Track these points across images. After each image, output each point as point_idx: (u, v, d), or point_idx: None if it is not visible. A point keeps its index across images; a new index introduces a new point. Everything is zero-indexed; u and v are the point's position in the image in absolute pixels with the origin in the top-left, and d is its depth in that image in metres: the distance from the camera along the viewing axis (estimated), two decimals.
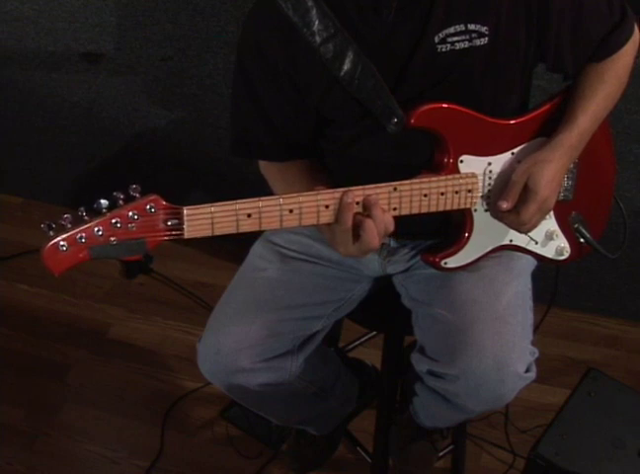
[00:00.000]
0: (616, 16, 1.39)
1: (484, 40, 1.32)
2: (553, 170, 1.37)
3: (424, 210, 1.36)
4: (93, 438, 2.16)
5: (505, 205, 1.36)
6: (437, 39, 1.31)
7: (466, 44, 1.31)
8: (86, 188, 2.78)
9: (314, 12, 1.29)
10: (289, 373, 1.54)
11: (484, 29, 1.31)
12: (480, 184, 1.41)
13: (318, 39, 1.30)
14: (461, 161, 1.38)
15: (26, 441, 2.16)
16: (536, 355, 1.46)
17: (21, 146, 2.78)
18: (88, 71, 2.46)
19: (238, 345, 1.48)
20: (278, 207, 1.24)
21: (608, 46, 1.40)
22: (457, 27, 1.30)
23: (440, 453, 1.93)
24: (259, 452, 2.09)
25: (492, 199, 1.42)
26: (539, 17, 1.32)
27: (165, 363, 2.35)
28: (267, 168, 1.54)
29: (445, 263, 1.44)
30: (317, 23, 1.30)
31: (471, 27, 1.30)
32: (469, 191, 1.39)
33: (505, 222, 1.41)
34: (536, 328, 1.49)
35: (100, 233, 1.13)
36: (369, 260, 1.57)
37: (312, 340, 1.58)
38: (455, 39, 1.31)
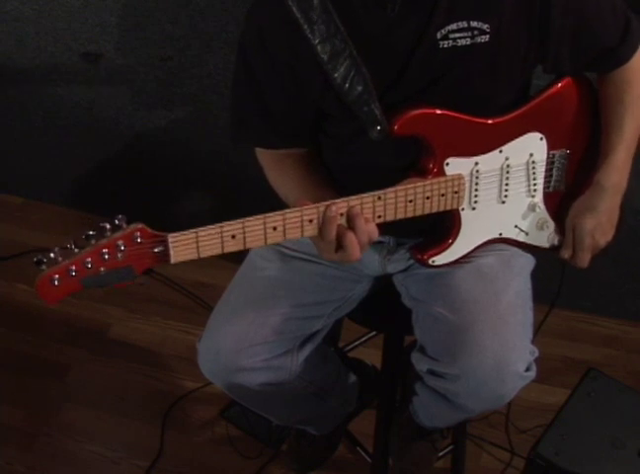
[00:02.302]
0: (621, 23, 1.39)
1: (485, 38, 1.32)
2: (598, 216, 1.46)
3: (410, 215, 1.36)
4: (93, 438, 2.16)
5: (566, 255, 1.52)
6: (439, 36, 1.31)
7: (468, 42, 1.32)
8: (86, 188, 2.78)
9: (318, 10, 1.29)
10: (289, 373, 1.54)
11: (486, 26, 1.31)
12: (467, 184, 1.41)
13: (317, 37, 1.30)
14: (447, 164, 1.38)
15: (26, 441, 2.16)
16: (536, 354, 1.46)
17: (21, 146, 2.78)
18: (88, 71, 2.46)
19: (238, 344, 1.48)
20: (261, 227, 1.25)
21: (618, 55, 1.41)
22: (460, 23, 1.30)
23: (440, 453, 1.93)
24: (259, 452, 2.09)
25: (480, 198, 1.43)
26: (541, 18, 1.32)
27: (165, 363, 2.35)
28: (262, 155, 1.54)
29: (433, 261, 1.45)
30: (319, 21, 1.30)
31: (474, 24, 1.31)
32: (455, 192, 1.40)
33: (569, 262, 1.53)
34: (538, 329, 1.50)
35: (89, 265, 1.15)
36: (370, 259, 1.57)
37: (312, 339, 1.58)
38: (458, 35, 1.31)
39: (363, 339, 1.96)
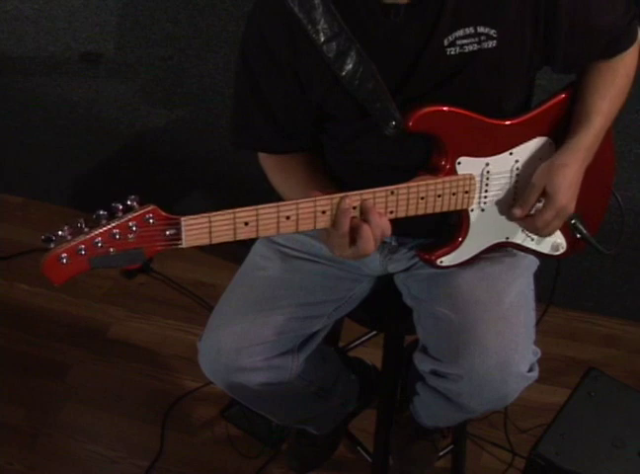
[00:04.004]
0: (625, 12, 1.38)
1: (492, 43, 1.31)
2: (571, 175, 1.37)
3: (420, 212, 1.36)
4: (93, 438, 2.16)
5: (519, 213, 1.39)
6: (446, 43, 1.31)
7: (475, 47, 1.31)
8: (86, 188, 2.78)
9: (320, 10, 1.29)
10: (290, 372, 1.54)
11: (492, 31, 1.31)
12: (477, 185, 1.41)
13: (322, 37, 1.30)
14: (459, 163, 1.38)
15: (26, 441, 2.16)
16: (539, 354, 1.46)
17: (21, 146, 2.78)
18: (88, 71, 2.46)
19: (239, 344, 1.48)
20: (275, 215, 1.24)
21: (620, 44, 1.40)
22: (467, 29, 1.30)
23: (441, 453, 1.93)
24: (259, 452, 2.09)
25: (489, 199, 1.43)
26: (547, 19, 1.32)
27: (165, 363, 2.35)
28: (265, 160, 1.53)
29: (441, 261, 1.45)
30: (322, 21, 1.29)
31: (480, 29, 1.30)
32: (466, 192, 1.40)
33: (521, 225, 1.42)
34: (535, 327, 1.49)
35: (99, 244, 1.13)
36: (370, 259, 1.57)
37: (313, 339, 1.58)
38: (465, 41, 1.31)
39: (364, 338, 1.96)
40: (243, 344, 1.48)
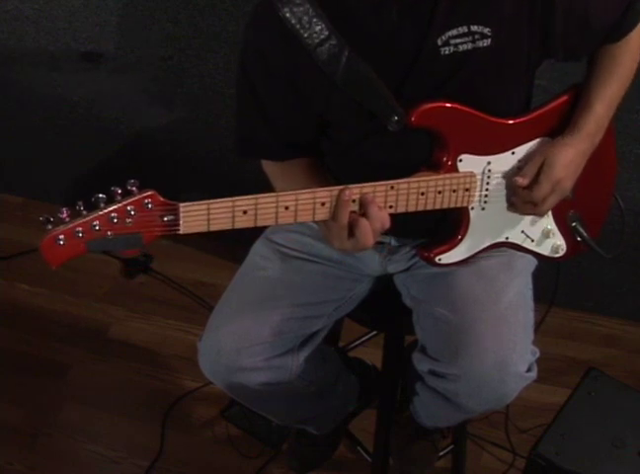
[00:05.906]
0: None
1: (487, 42, 1.31)
2: (571, 153, 1.39)
3: (420, 208, 1.36)
4: (93, 438, 2.16)
5: (520, 181, 1.39)
6: (440, 42, 1.30)
7: (469, 46, 1.31)
8: (86, 187, 2.76)
9: (310, 14, 1.30)
10: (290, 373, 1.54)
11: (486, 30, 1.30)
12: (478, 183, 1.41)
13: (314, 42, 1.30)
14: (460, 160, 1.38)
15: (26, 441, 2.16)
16: (537, 354, 1.46)
17: (21, 146, 2.78)
18: (88, 71, 2.46)
19: (239, 344, 1.48)
20: (274, 205, 1.25)
21: (622, 28, 1.40)
22: (460, 28, 1.30)
23: (441, 453, 1.93)
24: (259, 452, 2.09)
25: (490, 198, 1.43)
26: (543, 14, 1.32)
27: (165, 363, 2.35)
28: (268, 166, 1.54)
29: (440, 259, 1.45)
30: (312, 26, 1.30)
31: (474, 28, 1.30)
32: (467, 189, 1.40)
33: (520, 202, 1.42)
34: (537, 328, 1.50)
35: (97, 228, 1.14)
36: (370, 259, 1.57)
37: (313, 339, 1.57)
38: (458, 40, 1.31)
39: (364, 338, 1.96)
40: (243, 344, 1.48)
